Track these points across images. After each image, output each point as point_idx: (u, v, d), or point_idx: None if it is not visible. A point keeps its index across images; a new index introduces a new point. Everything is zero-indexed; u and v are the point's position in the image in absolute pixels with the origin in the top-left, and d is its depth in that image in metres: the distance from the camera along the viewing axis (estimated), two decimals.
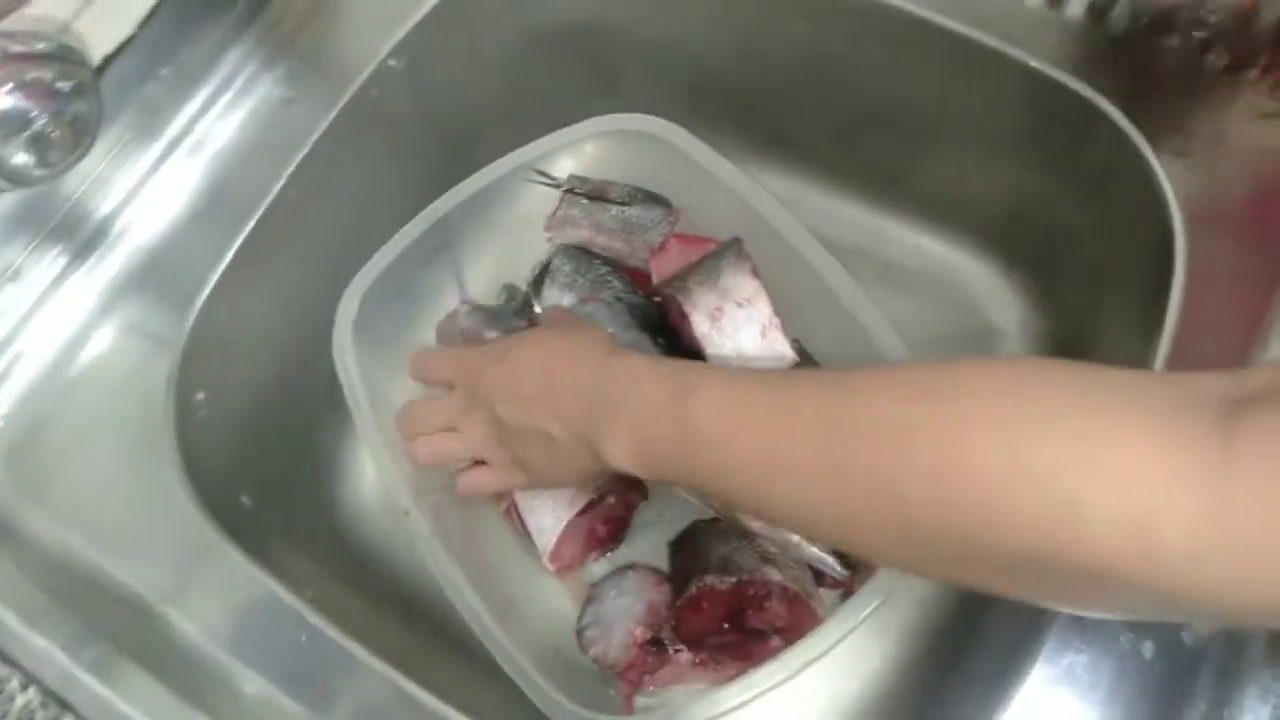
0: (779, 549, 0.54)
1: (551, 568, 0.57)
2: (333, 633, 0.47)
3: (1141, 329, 0.50)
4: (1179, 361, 0.47)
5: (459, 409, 0.52)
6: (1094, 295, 0.59)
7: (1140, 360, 0.49)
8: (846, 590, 0.54)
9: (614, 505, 0.58)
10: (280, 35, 0.59)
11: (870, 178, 0.68)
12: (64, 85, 0.33)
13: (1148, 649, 0.42)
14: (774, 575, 0.53)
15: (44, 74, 0.32)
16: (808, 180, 0.70)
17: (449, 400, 0.53)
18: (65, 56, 0.33)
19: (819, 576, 0.54)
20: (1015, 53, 0.53)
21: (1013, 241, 0.65)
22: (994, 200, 0.63)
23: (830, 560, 0.52)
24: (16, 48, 0.31)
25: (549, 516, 0.57)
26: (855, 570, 0.53)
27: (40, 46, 0.32)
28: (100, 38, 0.52)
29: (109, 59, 0.52)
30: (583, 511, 0.57)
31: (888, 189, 0.68)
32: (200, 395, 0.53)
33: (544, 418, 0.46)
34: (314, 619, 0.47)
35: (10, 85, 0.32)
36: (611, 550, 0.60)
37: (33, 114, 0.32)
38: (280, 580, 0.49)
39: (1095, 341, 0.58)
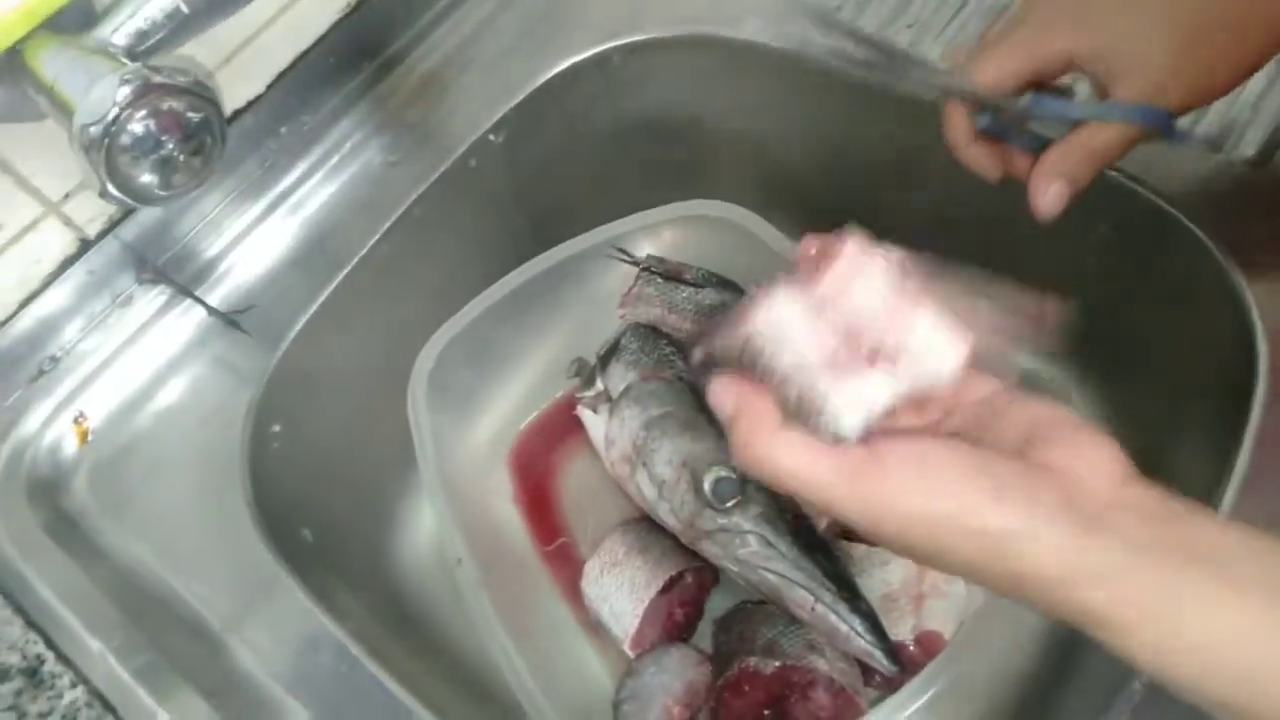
0: (826, 638, 0.52)
1: (632, 653, 0.56)
2: (382, 675, 0.48)
3: (1218, 446, 0.49)
4: (1256, 480, 0.46)
5: None
6: (1169, 410, 0.57)
7: (1215, 477, 0.47)
8: (894, 689, 0.53)
9: (690, 586, 0.57)
10: (391, 106, 0.64)
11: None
12: (194, 117, 0.37)
13: None
14: (820, 664, 0.51)
15: (178, 104, 0.36)
16: None
17: None
18: (200, 93, 0.37)
19: (866, 672, 0.53)
20: None
21: (1087, 351, 0.64)
22: (1073, 303, 0.62)
23: (880, 655, 0.51)
24: (159, 79, 0.35)
25: (627, 599, 0.56)
26: (904, 668, 0.51)
27: (180, 80, 0.36)
28: (232, 95, 0.57)
29: (238, 113, 0.57)
30: (661, 592, 0.56)
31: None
32: (276, 428, 0.56)
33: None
34: (366, 660, 0.48)
35: (147, 111, 0.35)
36: (687, 638, 0.58)
37: (163, 139, 0.36)
38: (333, 617, 0.50)
39: (1170, 457, 0.56)
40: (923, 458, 0.31)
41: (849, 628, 0.51)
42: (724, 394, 0.34)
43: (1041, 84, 0.45)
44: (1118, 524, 0.30)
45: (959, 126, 0.47)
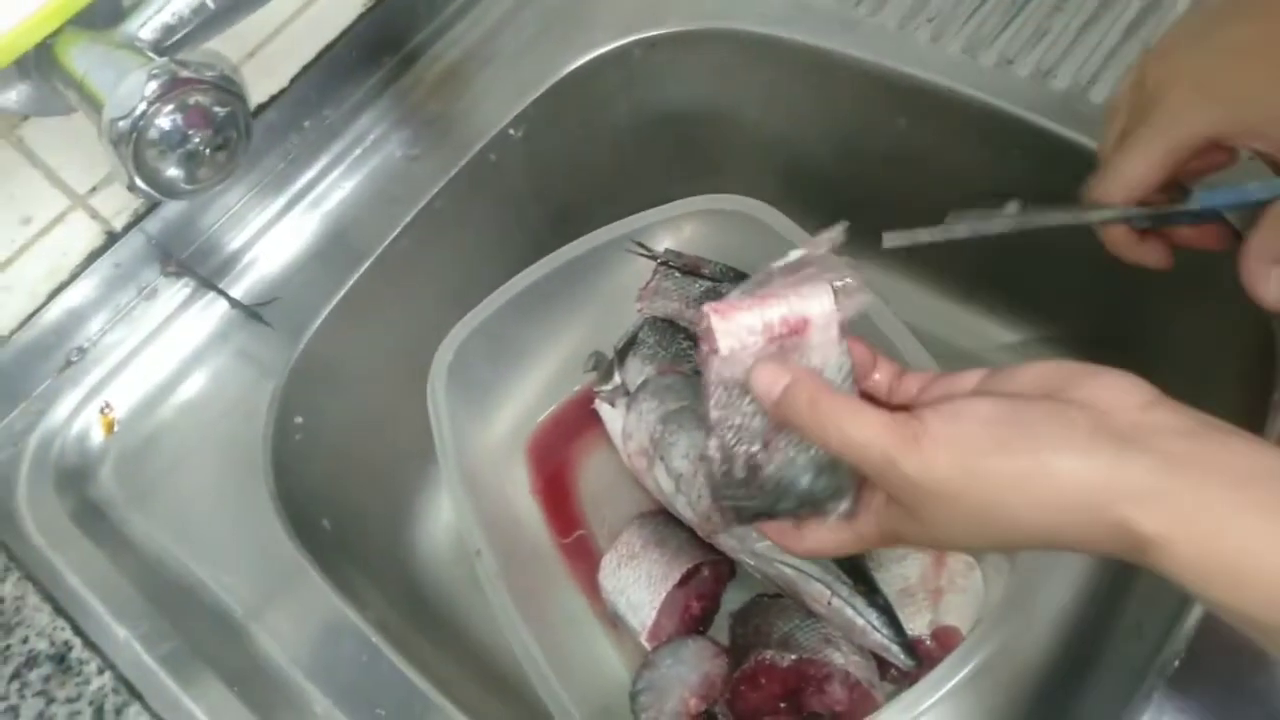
0: (843, 632, 0.53)
1: (649, 645, 0.56)
2: (401, 664, 0.48)
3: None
4: None
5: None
6: (1192, 399, 0.57)
7: None
8: (910, 683, 0.53)
9: (707, 579, 0.58)
10: (412, 101, 0.64)
11: (967, 273, 0.68)
12: (221, 111, 0.37)
13: None
14: (836, 658, 0.51)
15: (205, 99, 0.36)
16: (902, 273, 0.71)
17: None
18: (226, 87, 0.37)
19: (882, 666, 0.53)
20: None
21: (1110, 340, 0.64)
22: (1092, 298, 0.62)
23: (896, 649, 0.51)
24: (186, 73, 0.36)
25: (644, 591, 0.56)
26: (921, 662, 0.51)
27: (207, 74, 0.36)
28: (256, 90, 0.58)
29: (261, 108, 0.58)
30: (678, 585, 0.56)
31: (984, 285, 0.68)
32: (299, 419, 0.56)
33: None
34: (386, 648, 0.48)
35: (174, 105, 0.36)
36: (704, 630, 0.58)
37: (190, 133, 0.36)
38: (353, 606, 0.50)
39: None
40: (956, 410, 0.34)
41: (865, 621, 0.52)
42: (772, 367, 0.37)
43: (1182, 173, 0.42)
44: (1153, 442, 0.31)
45: (1120, 241, 0.45)
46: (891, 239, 0.45)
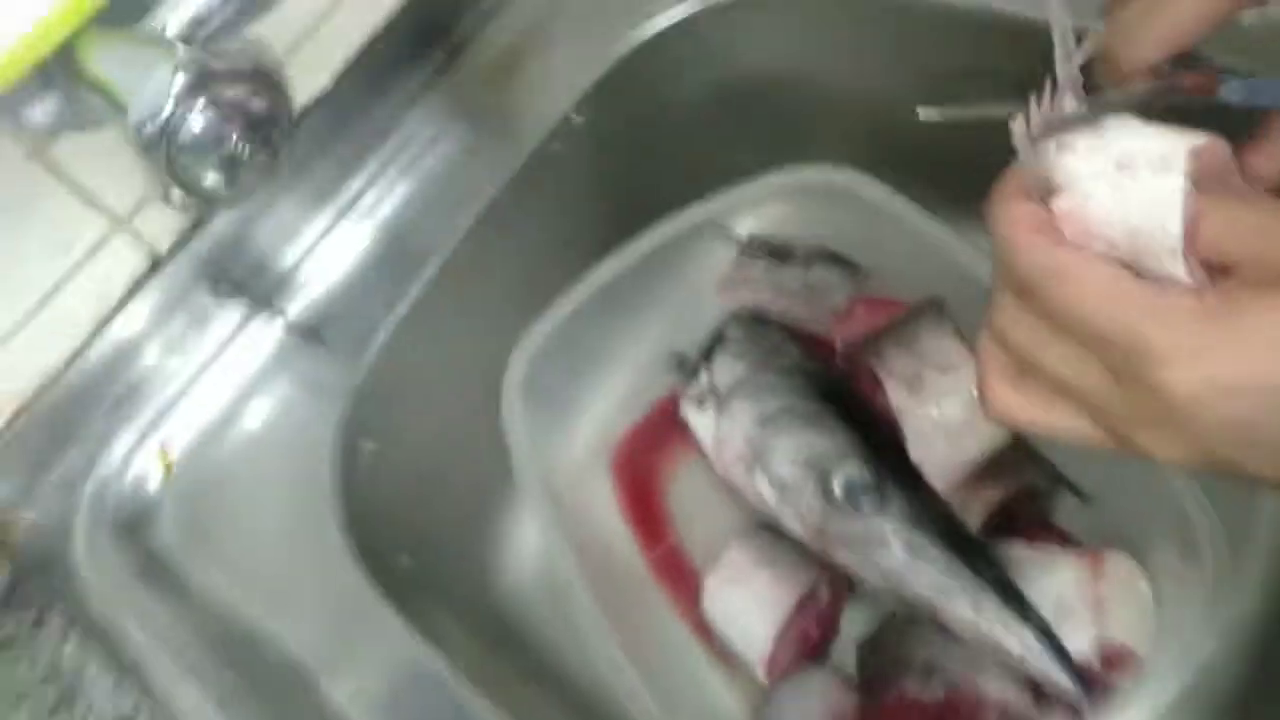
0: (992, 657, 0.46)
1: (767, 680, 0.51)
2: (488, 707, 0.44)
3: None
4: None
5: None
6: None
7: None
8: (1075, 716, 0.46)
9: (826, 601, 0.52)
10: (464, 93, 0.59)
11: None
12: (259, 105, 0.32)
13: None
14: (991, 689, 0.45)
15: (240, 93, 0.31)
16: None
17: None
18: (265, 77, 0.32)
19: (1042, 697, 0.46)
20: None
21: None
22: None
23: (1060, 674, 0.44)
24: (218, 64, 0.31)
25: (756, 618, 0.51)
26: (1090, 690, 0.44)
27: (242, 64, 0.31)
28: (299, 90, 0.53)
29: (305, 111, 0.53)
30: (796, 609, 0.51)
31: None
32: (369, 445, 0.52)
33: None
34: (471, 691, 0.44)
35: (205, 100, 0.31)
36: (825, 659, 0.52)
37: (227, 130, 0.32)
38: (437, 648, 0.46)
39: None
40: None
41: (1020, 641, 0.45)
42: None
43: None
44: None
45: None
46: (928, 112, 0.38)
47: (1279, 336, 0.25)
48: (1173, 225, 0.26)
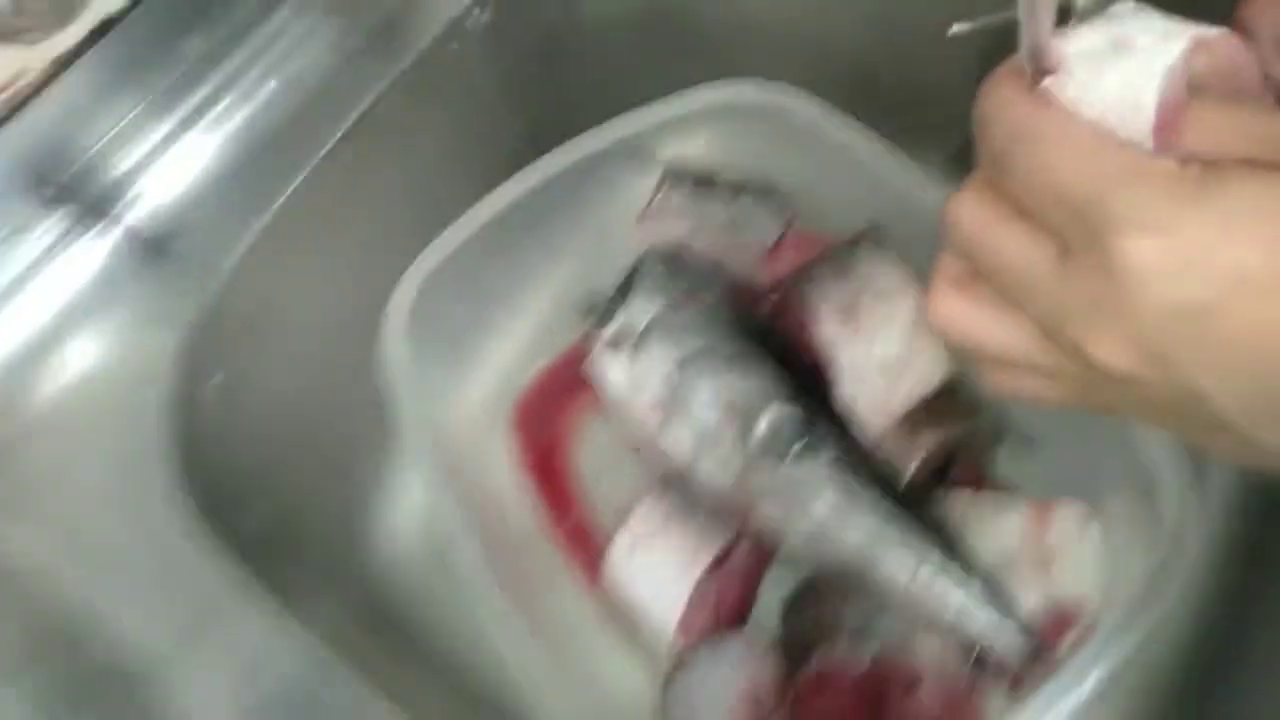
0: (931, 618, 0.41)
1: (682, 642, 0.45)
2: (360, 685, 0.38)
3: None
4: None
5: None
6: None
7: None
8: (1014, 682, 0.41)
9: (745, 559, 0.46)
10: None
11: None
12: None
13: None
14: (927, 653, 0.40)
15: None
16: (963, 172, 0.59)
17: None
18: None
19: (986, 659, 0.41)
20: None
21: None
22: None
23: (1009, 633, 0.40)
24: None
25: (669, 577, 0.45)
26: (1040, 650, 0.39)
27: None
28: None
29: None
30: (712, 566, 0.45)
31: None
32: (216, 383, 0.44)
33: None
34: (340, 669, 0.38)
35: None
36: (742, 625, 0.47)
37: None
38: (303, 629, 0.39)
39: None
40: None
41: (965, 597, 0.41)
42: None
43: None
44: None
45: None
46: (960, 26, 0.34)
47: (1266, 219, 0.21)
48: (1147, 100, 0.23)
